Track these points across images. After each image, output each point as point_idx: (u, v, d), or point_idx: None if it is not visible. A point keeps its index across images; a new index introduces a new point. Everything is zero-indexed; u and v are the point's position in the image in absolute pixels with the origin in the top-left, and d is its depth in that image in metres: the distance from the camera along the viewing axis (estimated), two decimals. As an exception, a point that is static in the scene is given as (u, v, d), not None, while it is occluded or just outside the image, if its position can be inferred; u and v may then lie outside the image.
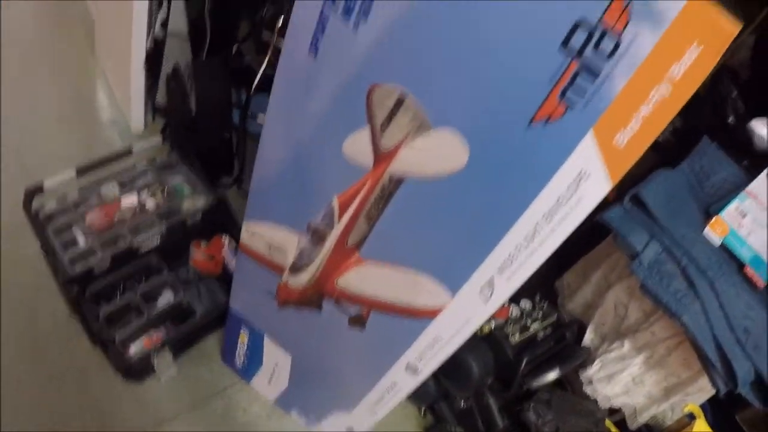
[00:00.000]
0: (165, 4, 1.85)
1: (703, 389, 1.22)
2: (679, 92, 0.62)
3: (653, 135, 0.66)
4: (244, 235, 1.14)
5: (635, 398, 1.32)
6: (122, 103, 2.14)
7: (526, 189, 0.74)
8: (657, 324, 1.22)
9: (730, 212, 1.14)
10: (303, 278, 1.09)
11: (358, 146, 0.83)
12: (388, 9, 0.70)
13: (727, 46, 0.59)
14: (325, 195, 0.93)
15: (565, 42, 0.62)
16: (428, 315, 0.96)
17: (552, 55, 0.63)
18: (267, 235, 1.08)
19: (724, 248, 1.13)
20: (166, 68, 1.98)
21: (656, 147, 0.75)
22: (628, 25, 0.59)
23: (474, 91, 0.71)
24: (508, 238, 0.80)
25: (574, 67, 0.63)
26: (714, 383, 1.07)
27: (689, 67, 0.60)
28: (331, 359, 1.23)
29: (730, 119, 1.45)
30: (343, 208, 0.92)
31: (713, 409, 1.35)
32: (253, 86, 1.90)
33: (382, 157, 0.82)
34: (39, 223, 1.53)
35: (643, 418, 1.32)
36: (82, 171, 1.71)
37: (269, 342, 1.35)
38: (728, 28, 0.58)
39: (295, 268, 1.08)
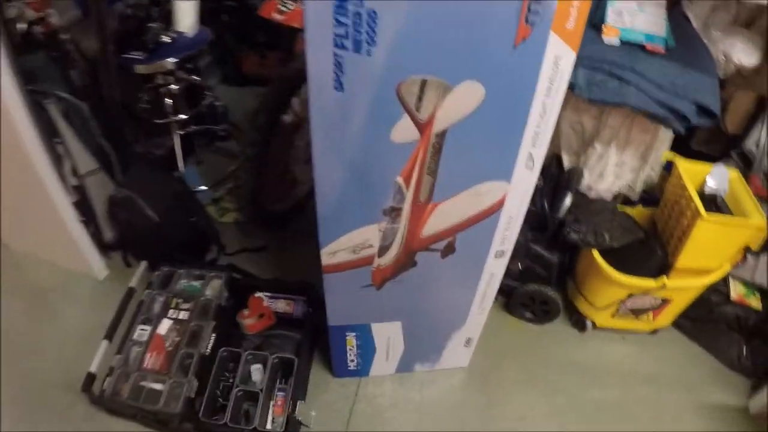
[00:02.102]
0: (65, 156, 1.90)
1: (664, 140, 1.65)
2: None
3: (585, 14, 0.98)
4: (325, 259, 1.35)
5: (625, 177, 1.73)
6: (73, 264, 2.16)
7: (529, 84, 1.04)
8: (609, 118, 1.62)
9: (611, 17, 1.53)
10: (392, 252, 1.34)
11: (403, 131, 1.08)
12: (389, 27, 0.94)
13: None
14: (389, 180, 1.18)
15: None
16: (498, 206, 1.27)
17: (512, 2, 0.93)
18: (349, 244, 1.31)
19: (624, 43, 1.52)
20: (99, 206, 2.04)
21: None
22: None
23: (473, 46, 0.97)
24: (530, 120, 1.11)
25: (527, 2, 0.93)
26: (675, 129, 1.49)
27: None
28: (437, 295, 1.51)
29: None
30: (407, 180, 1.18)
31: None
32: (180, 167, 2.05)
33: (424, 126, 1.09)
34: (114, 401, 1.64)
35: (638, 187, 1.75)
36: (109, 335, 1.81)
37: (377, 326, 1.60)
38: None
39: (383, 249, 1.33)
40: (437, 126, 1.09)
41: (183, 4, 1.94)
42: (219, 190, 2.30)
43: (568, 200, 1.67)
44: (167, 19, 1.95)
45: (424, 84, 1.02)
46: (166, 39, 1.91)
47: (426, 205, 1.24)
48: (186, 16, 1.97)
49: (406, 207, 1.24)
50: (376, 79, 1.01)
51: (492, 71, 1.02)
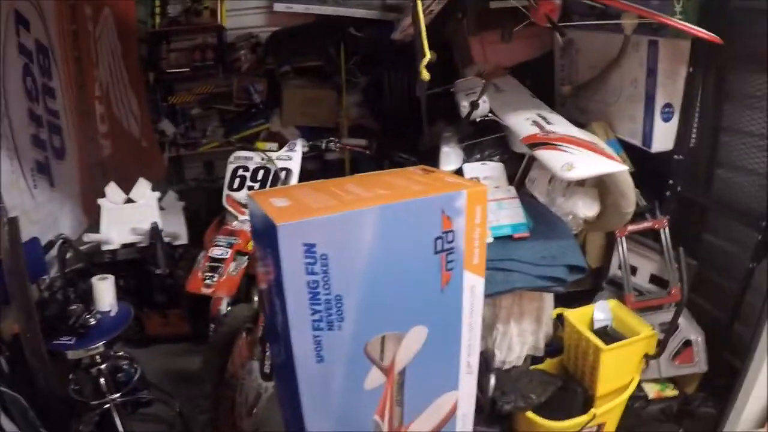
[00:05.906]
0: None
1: (549, 300, 2.06)
2: (483, 226, 1.32)
3: (485, 248, 1.34)
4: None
5: (528, 342, 2.09)
6: None
7: (456, 313, 1.36)
8: (502, 301, 2.00)
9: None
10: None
11: (373, 379, 1.31)
12: (352, 304, 1.21)
13: (486, 198, 1.29)
14: (368, 420, 1.37)
15: (435, 250, 1.25)
16: (453, 410, 1.49)
17: (432, 257, 1.26)
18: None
19: (496, 239, 1.94)
20: None
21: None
22: (452, 223, 1.25)
23: (412, 300, 1.28)
24: (463, 338, 1.40)
25: (444, 255, 1.27)
26: (556, 292, 1.92)
27: (480, 218, 1.30)
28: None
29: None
30: (382, 415, 1.38)
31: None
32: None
33: (388, 370, 1.32)
34: None
35: (541, 345, 2.10)
36: None
37: None
38: (482, 189, 1.29)
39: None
40: (397, 367, 1.34)
41: (101, 284, 2.05)
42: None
43: (492, 380, 1.96)
44: (85, 298, 2.04)
45: (383, 339, 1.28)
46: (92, 321, 1.99)
47: (399, 430, 1.44)
48: (105, 295, 2.07)
49: (385, 442, 1.42)
50: (348, 347, 1.25)
51: (429, 313, 1.33)
